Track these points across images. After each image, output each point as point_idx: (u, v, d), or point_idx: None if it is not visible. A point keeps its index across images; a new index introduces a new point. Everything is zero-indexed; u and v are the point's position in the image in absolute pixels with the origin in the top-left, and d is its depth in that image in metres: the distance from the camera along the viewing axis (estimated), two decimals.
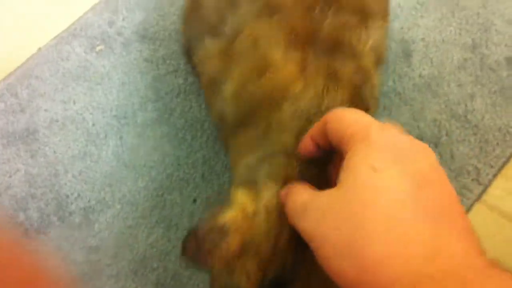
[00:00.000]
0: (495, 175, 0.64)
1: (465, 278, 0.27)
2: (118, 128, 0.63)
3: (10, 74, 0.65)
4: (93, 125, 0.63)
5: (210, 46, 0.50)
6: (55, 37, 0.67)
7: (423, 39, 0.68)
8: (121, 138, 0.63)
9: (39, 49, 0.66)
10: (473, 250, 0.29)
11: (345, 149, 0.33)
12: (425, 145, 0.33)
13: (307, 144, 0.38)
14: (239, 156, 0.45)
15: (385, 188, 0.30)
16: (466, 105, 0.66)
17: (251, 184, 0.40)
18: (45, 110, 0.63)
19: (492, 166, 0.64)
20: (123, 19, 0.68)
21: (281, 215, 0.37)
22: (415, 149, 0.32)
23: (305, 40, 0.44)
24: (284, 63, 0.44)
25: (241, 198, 0.39)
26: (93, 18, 0.68)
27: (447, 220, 0.30)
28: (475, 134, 0.65)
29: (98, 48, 0.66)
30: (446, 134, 0.65)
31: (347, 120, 0.34)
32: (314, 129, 0.38)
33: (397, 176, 0.31)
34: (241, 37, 0.46)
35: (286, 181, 0.39)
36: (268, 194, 0.39)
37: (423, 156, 0.32)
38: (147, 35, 0.67)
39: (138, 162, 0.62)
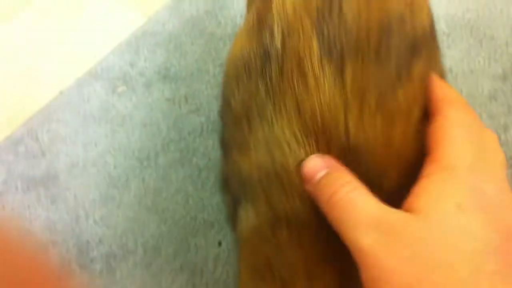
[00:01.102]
0: None
1: None
2: (140, 170, 0.62)
3: (31, 118, 0.65)
4: (115, 167, 0.62)
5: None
6: (77, 80, 0.66)
7: (451, 70, 0.66)
8: (143, 180, 0.61)
9: (61, 92, 0.66)
10: None
11: (426, 169, 0.31)
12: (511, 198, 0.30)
13: None
14: None
15: (472, 232, 0.28)
16: (500, 138, 0.63)
17: None
18: (66, 154, 0.62)
19: None
20: (145, 60, 0.67)
21: None
22: (504, 203, 0.30)
23: None
24: None
25: None
26: (114, 59, 0.67)
27: None
28: (510, 167, 0.62)
29: (120, 89, 0.65)
30: None
31: (449, 137, 0.31)
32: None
33: (485, 223, 0.28)
34: None
35: None
36: None
37: (510, 211, 0.30)
38: (168, 74, 0.66)
39: (160, 205, 0.60)
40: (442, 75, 0.40)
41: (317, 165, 0.34)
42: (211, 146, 0.63)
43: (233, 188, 0.43)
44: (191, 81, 0.66)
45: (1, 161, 0.62)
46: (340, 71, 0.35)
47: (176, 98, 0.65)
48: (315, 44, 0.35)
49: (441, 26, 0.69)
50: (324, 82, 0.35)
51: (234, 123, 0.41)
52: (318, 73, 0.35)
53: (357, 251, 0.29)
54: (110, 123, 0.64)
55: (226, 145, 0.45)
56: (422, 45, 0.37)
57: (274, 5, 0.38)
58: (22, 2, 0.72)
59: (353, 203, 0.30)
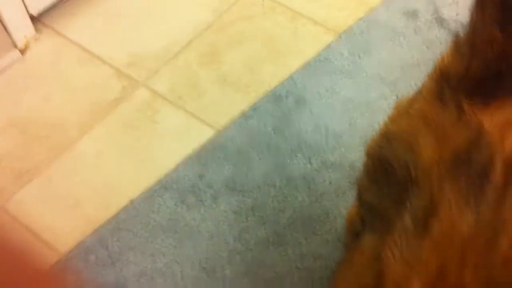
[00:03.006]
0: None
1: None
2: (206, 282, 0.62)
3: (101, 226, 0.66)
4: (182, 279, 0.62)
5: None
6: (147, 190, 0.69)
7: None
8: None
9: (131, 201, 0.68)
10: None
11: None
12: None
13: None
14: None
15: None
16: None
17: None
18: (135, 263, 0.63)
19: None
20: (213, 172, 0.69)
21: None
22: None
23: None
24: None
25: None
26: (184, 171, 0.70)
27: None
28: None
29: (188, 201, 0.67)
30: None
31: None
32: None
33: None
34: None
35: None
36: None
37: None
38: (235, 187, 0.68)
39: None
40: None
41: None
42: (278, 259, 0.62)
43: None
44: (258, 194, 0.68)
45: (71, 269, 0.63)
46: None
47: (242, 210, 0.66)
48: None
49: None
50: None
51: None
52: None
53: None
54: (178, 233, 0.65)
55: None
56: None
57: None
58: (99, 115, 0.77)
59: None
